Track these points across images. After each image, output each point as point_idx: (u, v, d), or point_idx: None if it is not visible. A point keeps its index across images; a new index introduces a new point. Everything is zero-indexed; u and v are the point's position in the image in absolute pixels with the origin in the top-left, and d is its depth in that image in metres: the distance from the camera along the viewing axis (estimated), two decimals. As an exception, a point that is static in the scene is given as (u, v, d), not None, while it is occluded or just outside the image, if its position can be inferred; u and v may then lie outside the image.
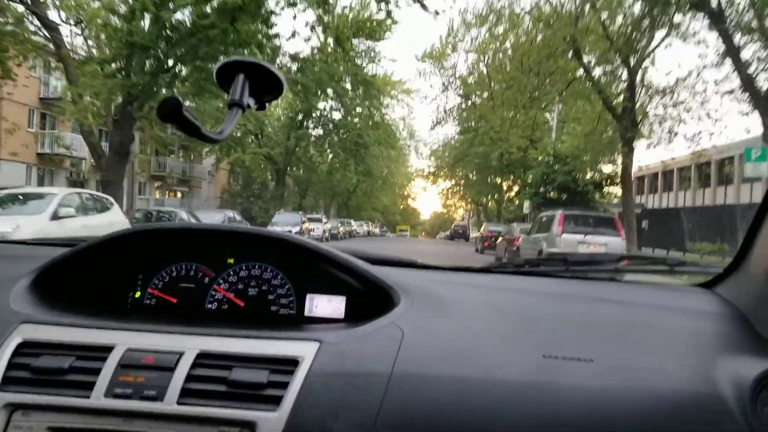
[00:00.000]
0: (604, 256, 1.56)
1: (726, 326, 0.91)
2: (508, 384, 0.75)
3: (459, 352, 0.81)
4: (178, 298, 1.04)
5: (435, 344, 0.82)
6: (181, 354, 0.78)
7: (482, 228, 22.81)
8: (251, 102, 0.79)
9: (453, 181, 45.10)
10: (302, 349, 0.79)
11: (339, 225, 29.38)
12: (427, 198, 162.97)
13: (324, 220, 26.10)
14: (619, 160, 16.30)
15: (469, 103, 29.04)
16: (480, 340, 0.84)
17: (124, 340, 0.80)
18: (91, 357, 0.78)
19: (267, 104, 0.84)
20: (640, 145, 22.94)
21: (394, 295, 0.93)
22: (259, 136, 29.55)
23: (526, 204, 24.81)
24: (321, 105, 30.60)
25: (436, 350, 0.81)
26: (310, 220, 23.73)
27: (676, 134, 14.36)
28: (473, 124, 29.76)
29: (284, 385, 0.74)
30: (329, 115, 32.19)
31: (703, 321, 0.92)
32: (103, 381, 0.75)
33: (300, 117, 30.85)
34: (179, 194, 34.08)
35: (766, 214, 0.89)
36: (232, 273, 1.04)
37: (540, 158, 21.51)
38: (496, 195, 37.73)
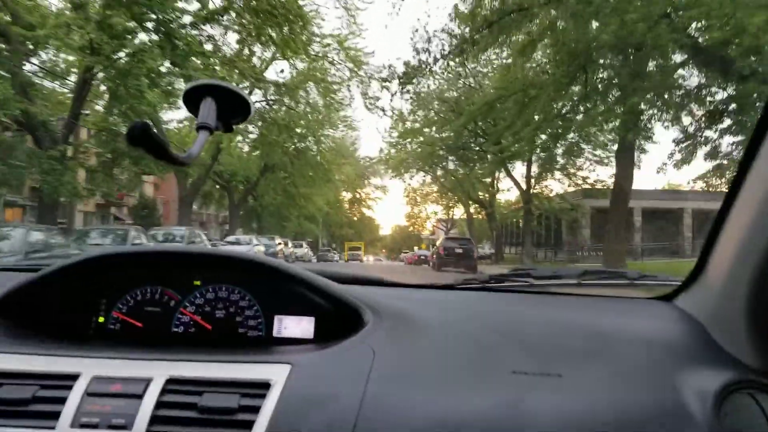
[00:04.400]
0: (567, 270, 1.43)
1: (687, 338, 0.93)
2: (479, 401, 0.76)
3: (430, 370, 0.81)
4: (143, 322, 1.02)
5: (406, 363, 0.83)
6: (149, 380, 0.77)
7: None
8: (219, 124, 0.81)
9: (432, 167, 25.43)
10: (273, 372, 0.79)
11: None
12: (386, 207, 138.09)
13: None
14: None
15: None
16: (450, 357, 0.85)
17: (90, 367, 0.79)
18: (56, 386, 0.76)
19: (234, 126, 0.85)
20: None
21: (363, 313, 0.93)
22: None
23: None
24: None
25: (408, 369, 0.81)
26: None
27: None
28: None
29: (256, 410, 0.73)
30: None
31: (665, 333, 0.95)
32: (69, 410, 0.73)
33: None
34: None
35: (721, 225, 0.89)
36: (198, 295, 1.03)
37: None
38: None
